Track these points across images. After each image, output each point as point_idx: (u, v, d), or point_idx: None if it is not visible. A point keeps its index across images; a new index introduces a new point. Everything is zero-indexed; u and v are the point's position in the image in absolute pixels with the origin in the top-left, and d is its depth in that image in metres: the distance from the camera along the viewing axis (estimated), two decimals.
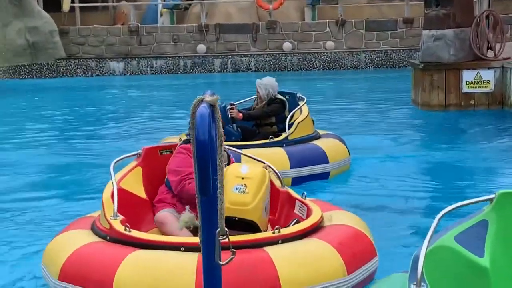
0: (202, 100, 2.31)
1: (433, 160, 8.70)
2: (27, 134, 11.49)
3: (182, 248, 3.75)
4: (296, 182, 7.04)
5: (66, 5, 23.83)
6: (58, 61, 23.18)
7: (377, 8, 25.05)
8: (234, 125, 7.59)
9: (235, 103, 7.83)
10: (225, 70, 23.41)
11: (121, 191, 4.57)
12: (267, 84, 7.76)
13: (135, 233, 3.96)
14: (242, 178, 4.02)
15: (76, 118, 13.91)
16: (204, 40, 23.48)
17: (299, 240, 3.89)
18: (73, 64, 23.36)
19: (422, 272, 2.41)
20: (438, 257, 2.55)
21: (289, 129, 7.41)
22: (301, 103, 7.84)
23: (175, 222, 4.35)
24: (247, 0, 24.86)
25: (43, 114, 14.71)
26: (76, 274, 3.87)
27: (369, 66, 23.50)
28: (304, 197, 4.53)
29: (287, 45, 23.47)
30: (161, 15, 25.29)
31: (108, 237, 4.06)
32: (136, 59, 23.48)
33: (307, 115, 7.69)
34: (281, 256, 3.70)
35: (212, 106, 2.31)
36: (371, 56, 23.54)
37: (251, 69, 23.43)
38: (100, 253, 3.90)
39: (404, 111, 13.38)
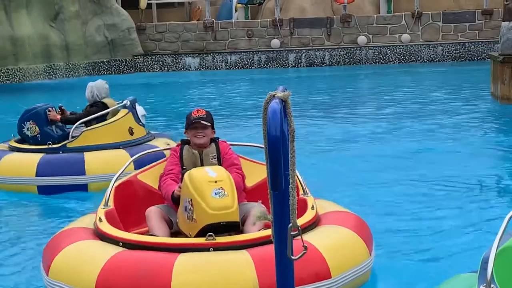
0: (274, 96, 2.31)
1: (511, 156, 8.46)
2: None
3: (120, 243, 3.86)
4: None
5: (143, 2, 24.29)
6: (135, 57, 23.66)
7: None
8: (54, 126, 7.48)
9: (63, 106, 7.70)
10: (299, 65, 23.38)
11: (135, 182, 4.76)
12: (94, 86, 7.55)
13: (101, 225, 4.11)
14: (215, 182, 3.92)
15: (154, 112, 14.16)
16: (278, 35, 23.51)
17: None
18: (150, 60, 23.79)
19: (492, 273, 2.34)
20: (509, 258, 2.46)
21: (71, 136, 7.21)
22: (124, 111, 7.42)
23: (156, 219, 4.30)
24: None
25: None
26: (44, 255, 4.16)
27: (446, 59, 23.02)
28: (314, 207, 4.33)
29: (362, 39, 23.25)
30: (236, 10, 25.46)
31: (93, 224, 4.26)
32: (211, 54, 23.72)
33: (110, 123, 7.30)
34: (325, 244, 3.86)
35: (284, 101, 2.31)
36: (448, 49, 23.06)
37: (325, 63, 23.33)
38: (64, 238, 4.13)
39: (483, 105, 13.05)
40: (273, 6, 24.16)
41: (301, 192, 4.54)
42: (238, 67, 23.53)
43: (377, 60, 23.25)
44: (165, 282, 3.49)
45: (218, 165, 4.45)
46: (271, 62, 23.51)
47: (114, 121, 7.35)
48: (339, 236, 4.06)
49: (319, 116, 12.38)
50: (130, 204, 4.66)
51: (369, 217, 5.68)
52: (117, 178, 4.60)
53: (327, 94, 16.08)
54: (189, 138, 4.61)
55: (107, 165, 6.98)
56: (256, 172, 4.80)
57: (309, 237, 3.89)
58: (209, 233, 3.79)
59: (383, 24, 23.34)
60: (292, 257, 2.46)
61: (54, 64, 21.92)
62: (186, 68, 23.75)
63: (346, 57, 23.33)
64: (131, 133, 7.43)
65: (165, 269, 3.54)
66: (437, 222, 5.64)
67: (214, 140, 4.63)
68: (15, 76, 20.75)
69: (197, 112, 4.59)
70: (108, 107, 7.51)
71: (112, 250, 3.80)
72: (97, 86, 7.55)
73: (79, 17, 22.64)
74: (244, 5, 25.21)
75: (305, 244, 2.45)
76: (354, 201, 6.25)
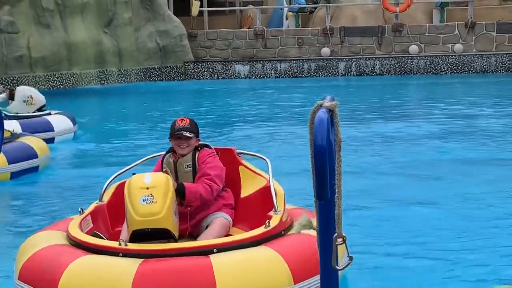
0: (321, 105, 2.31)
1: None
2: (151, 133, 11.93)
3: (67, 238, 4.09)
4: None
5: (195, 9, 24.52)
6: (186, 64, 23.89)
7: (509, 9, 24.06)
8: None
9: None
10: (349, 74, 23.28)
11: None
12: None
13: (74, 216, 4.38)
14: (147, 188, 3.96)
15: (202, 118, 14.29)
16: (328, 43, 23.45)
17: (245, 249, 3.82)
18: (201, 67, 23.99)
19: None
20: None
21: None
22: None
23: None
24: (373, 3, 24.61)
25: (169, 114, 15.20)
26: None
27: (500, 70, 22.62)
28: (267, 225, 4.08)
29: (413, 48, 23.02)
30: (287, 18, 25.49)
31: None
32: (261, 62, 23.79)
33: None
34: (223, 263, 3.68)
35: (331, 111, 2.31)
36: (502, 59, 22.66)
37: (375, 72, 23.17)
38: (51, 226, 4.54)
39: None
40: (324, 15, 24.12)
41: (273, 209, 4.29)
42: (287, 75, 23.54)
43: (428, 70, 22.99)
44: (56, 278, 3.71)
45: (193, 174, 4.48)
46: (321, 70, 23.46)
47: None
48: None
49: (367, 125, 12.28)
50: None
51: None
52: (115, 177, 4.67)
53: (376, 104, 15.95)
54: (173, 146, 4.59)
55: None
56: (255, 183, 4.72)
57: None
58: (121, 239, 3.93)
59: (436, 33, 23.08)
60: (337, 267, 2.45)
61: (106, 70, 22.27)
62: (236, 76, 23.87)
63: (397, 66, 23.13)
64: None
65: (61, 266, 3.74)
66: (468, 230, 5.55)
67: (196, 149, 4.56)
68: (69, 81, 21.16)
69: (181, 122, 4.53)
70: None
71: (51, 243, 4.05)
72: None
73: (132, 24, 22.98)
74: (295, 13, 25.23)
75: (350, 255, 2.44)
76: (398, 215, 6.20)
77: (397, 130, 11.66)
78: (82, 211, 4.40)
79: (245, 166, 4.85)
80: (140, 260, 3.69)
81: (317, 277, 3.88)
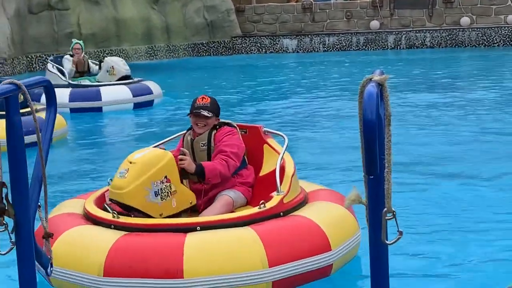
0: (370, 79, 2.29)
1: None
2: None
3: (82, 208, 4.27)
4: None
5: None
6: (234, 39, 23.88)
7: None
8: None
9: None
10: (398, 47, 22.97)
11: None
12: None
13: (98, 191, 4.54)
14: (130, 163, 4.04)
15: (247, 94, 14.31)
16: (377, 16, 23.15)
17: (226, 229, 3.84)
18: (248, 41, 23.97)
19: None
20: None
21: None
22: None
23: None
24: None
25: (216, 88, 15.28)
26: None
27: None
28: (261, 206, 4.04)
29: (465, 20, 22.56)
30: None
31: None
32: (309, 36, 23.64)
33: None
34: (194, 242, 3.71)
35: (380, 85, 2.29)
36: None
37: (426, 45, 22.81)
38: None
39: None
40: None
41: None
42: (336, 49, 23.35)
43: (480, 42, 22.53)
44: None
45: (208, 153, 4.48)
46: (370, 44, 23.20)
47: None
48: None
49: (418, 99, 12.13)
50: None
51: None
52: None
53: (426, 77, 15.73)
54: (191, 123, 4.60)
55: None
56: (275, 162, 4.57)
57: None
58: (114, 211, 4.03)
59: (488, 4, 22.57)
60: (387, 242, 2.43)
61: (155, 46, 22.43)
62: (283, 50, 23.78)
63: (448, 39, 22.72)
64: None
65: (57, 234, 3.92)
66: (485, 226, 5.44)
67: (214, 127, 4.53)
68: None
69: (202, 100, 4.51)
70: None
71: (67, 211, 4.28)
72: None
73: (179, 0, 23.04)
74: None
75: (400, 229, 2.42)
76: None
77: (449, 103, 11.50)
78: (109, 183, 4.50)
79: (269, 145, 4.80)
80: (122, 233, 3.83)
81: (297, 262, 3.85)
